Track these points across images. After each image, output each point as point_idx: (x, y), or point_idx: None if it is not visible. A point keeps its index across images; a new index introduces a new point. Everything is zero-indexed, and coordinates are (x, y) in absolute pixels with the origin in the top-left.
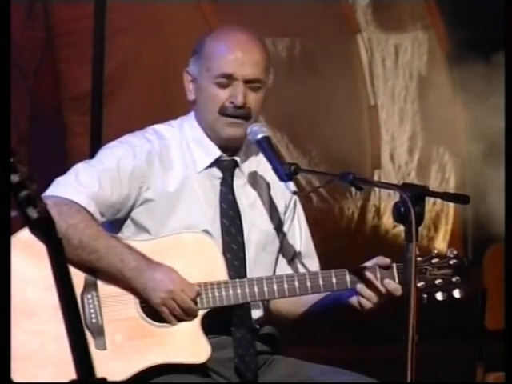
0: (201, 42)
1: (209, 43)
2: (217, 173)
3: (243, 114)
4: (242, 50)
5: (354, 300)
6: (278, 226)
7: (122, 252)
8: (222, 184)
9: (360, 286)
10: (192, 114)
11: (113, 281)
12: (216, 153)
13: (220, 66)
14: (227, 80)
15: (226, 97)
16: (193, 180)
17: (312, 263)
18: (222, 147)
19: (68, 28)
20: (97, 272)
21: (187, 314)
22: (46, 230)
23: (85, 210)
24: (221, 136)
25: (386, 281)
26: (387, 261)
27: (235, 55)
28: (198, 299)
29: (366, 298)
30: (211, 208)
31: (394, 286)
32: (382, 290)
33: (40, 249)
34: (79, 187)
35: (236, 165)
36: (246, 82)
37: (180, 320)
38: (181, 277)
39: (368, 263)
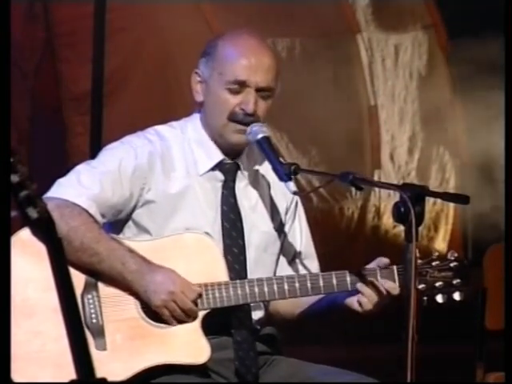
0: (213, 44)
1: (221, 46)
2: (219, 176)
3: (252, 122)
4: (256, 56)
5: (352, 300)
6: (279, 226)
7: (123, 255)
8: (223, 187)
9: (360, 285)
10: (196, 115)
11: (114, 283)
12: (218, 156)
13: (233, 71)
14: (239, 86)
15: (237, 103)
16: (194, 182)
17: (312, 264)
18: (225, 151)
19: (68, 28)
20: (98, 274)
21: (188, 316)
22: (46, 229)
23: (86, 212)
24: (227, 141)
25: (383, 280)
26: (386, 260)
27: (249, 62)
28: (199, 300)
29: (365, 297)
30: (212, 210)
31: (390, 284)
32: (382, 289)
33: (40, 249)
34: (80, 189)
35: (238, 168)
36: (258, 89)
37: (180, 322)
38: (181, 278)
39: (369, 265)
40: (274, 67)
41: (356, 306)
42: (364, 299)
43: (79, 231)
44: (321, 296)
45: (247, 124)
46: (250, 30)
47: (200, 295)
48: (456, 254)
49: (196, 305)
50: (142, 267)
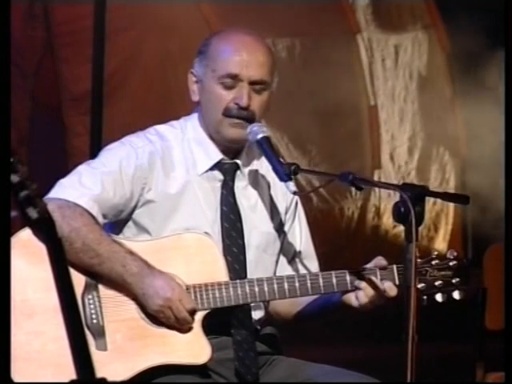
0: (206, 43)
1: (214, 44)
2: (218, 175)
3: (247, 116)
4: (247, 51)
5: (349, 295)
6: (279, 226)
7: (125, 257)
8: (223, 187)
9: (358, 281)
10: (195, 114)
11: (114, 284)
12: (217, 156)
13: (225, 66)
14: (232, 81)
15: (231, 98)
16: (194, 182)
17: (311, 264)
18: (224, 150)
19: (68, 28)
20: (98, 276)
21: (181, 325)
22: (46, 230)
23: (88, 213)
24: (224, 137)
25: (383, 280)
26: (384, 262)
27: (241, 56)
28: (199, 300)
29: (362, 290)
30: (211, 211)
31: (389, 284)
32: (380, 286)
33: (40, 249)
34: (82, 189)
35: (237, 167)
36: (251, 83)
37: (173, 328)
38: (180, 286)
39: (368, 265)
40: (269, 62)
41: (353, 300)
42: (361, 293)
43: (81, 232)
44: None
45: (242, 118)
46: (245, 28)
47: (195, 311)
48: (455, 253)
49: (191, 315)
50: (143, 270)
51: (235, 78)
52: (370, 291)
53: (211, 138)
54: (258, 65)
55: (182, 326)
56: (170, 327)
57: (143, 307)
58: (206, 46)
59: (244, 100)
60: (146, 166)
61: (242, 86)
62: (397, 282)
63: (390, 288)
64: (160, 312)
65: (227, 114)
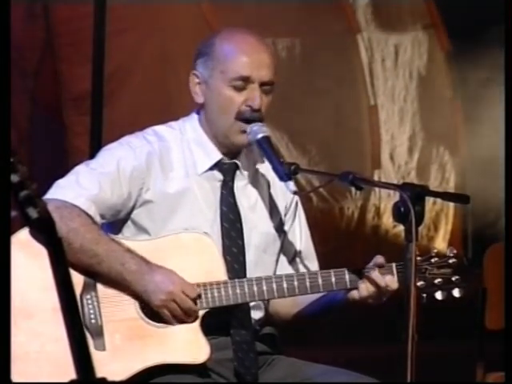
0: (209, 44)
1: (219, 45)
2: (217, 175)
3: (259, 118)
4: (256, 52)
5: (353, 292)
6: (279, 226)
7: (123, 256)
8: (222, 187)
9: (359, 280)
10: (194, 115)
11: (113, 283)
12: (217, 156)
13: (237, 68)
14: (243, 83)
15: (242, 100)
16: (193, 182)
17: (311, 264)
18: (224, 150)
19: (68, 28)
20: (97, 275)
21: (188, 315)
22: (46, 229)
23: (85, 213)
24: (233, 142)
25: (382, 275)
26: (382, 260)
27: (251, 57)
28: (198, 300)
29: (363, 284)
30: (211, 211)
31: (389, 277)
32: (380, 282)
33: (40, 249)
34: (80, 190)
35: (237, 167)
36: (261, 84)
37: (181, 322)
38: (181, 278)
39: (368, 265)
40: (273, 62)
41: (355, 294)
42: (362, 285)
43: (79, 233)
44: (320, 294)
45: (255, 121)
46: (245, 27)
47: (199, 296)
48: (455, 251)
49: (196, 304)
50: (142, 267)
51: (247, 79)
52: (371, 287)
53: (211, 138)
54: (266, 66)
55: (189, 318)
56: (177, 321)
57: (144, 305)
58: (209, 47)
59: (257, 102)
60: (144, 166)
61: (253, 88)
62: (395, 280)
63: (391, 281)
64: (164, 306)
65: (240, 117)
